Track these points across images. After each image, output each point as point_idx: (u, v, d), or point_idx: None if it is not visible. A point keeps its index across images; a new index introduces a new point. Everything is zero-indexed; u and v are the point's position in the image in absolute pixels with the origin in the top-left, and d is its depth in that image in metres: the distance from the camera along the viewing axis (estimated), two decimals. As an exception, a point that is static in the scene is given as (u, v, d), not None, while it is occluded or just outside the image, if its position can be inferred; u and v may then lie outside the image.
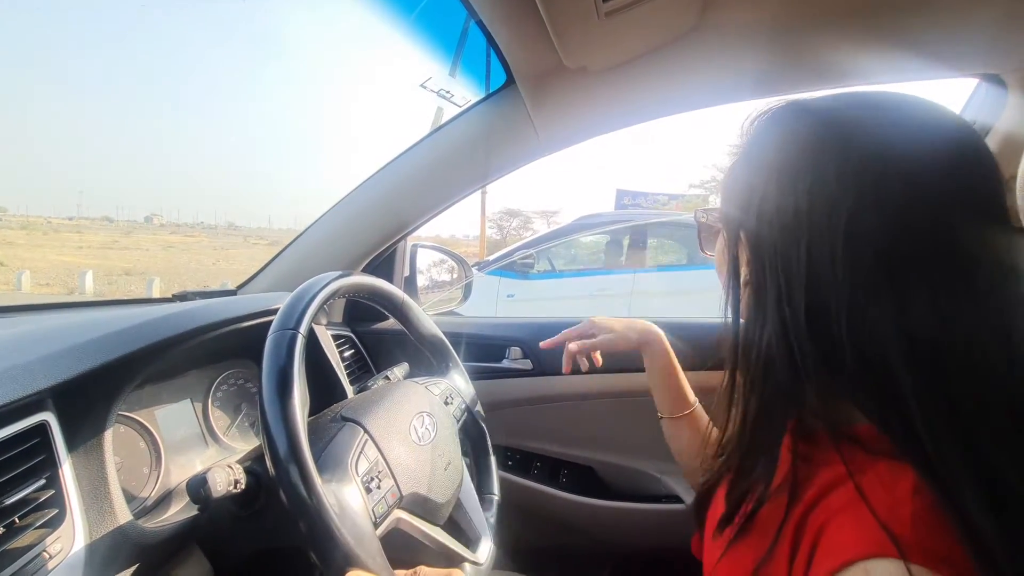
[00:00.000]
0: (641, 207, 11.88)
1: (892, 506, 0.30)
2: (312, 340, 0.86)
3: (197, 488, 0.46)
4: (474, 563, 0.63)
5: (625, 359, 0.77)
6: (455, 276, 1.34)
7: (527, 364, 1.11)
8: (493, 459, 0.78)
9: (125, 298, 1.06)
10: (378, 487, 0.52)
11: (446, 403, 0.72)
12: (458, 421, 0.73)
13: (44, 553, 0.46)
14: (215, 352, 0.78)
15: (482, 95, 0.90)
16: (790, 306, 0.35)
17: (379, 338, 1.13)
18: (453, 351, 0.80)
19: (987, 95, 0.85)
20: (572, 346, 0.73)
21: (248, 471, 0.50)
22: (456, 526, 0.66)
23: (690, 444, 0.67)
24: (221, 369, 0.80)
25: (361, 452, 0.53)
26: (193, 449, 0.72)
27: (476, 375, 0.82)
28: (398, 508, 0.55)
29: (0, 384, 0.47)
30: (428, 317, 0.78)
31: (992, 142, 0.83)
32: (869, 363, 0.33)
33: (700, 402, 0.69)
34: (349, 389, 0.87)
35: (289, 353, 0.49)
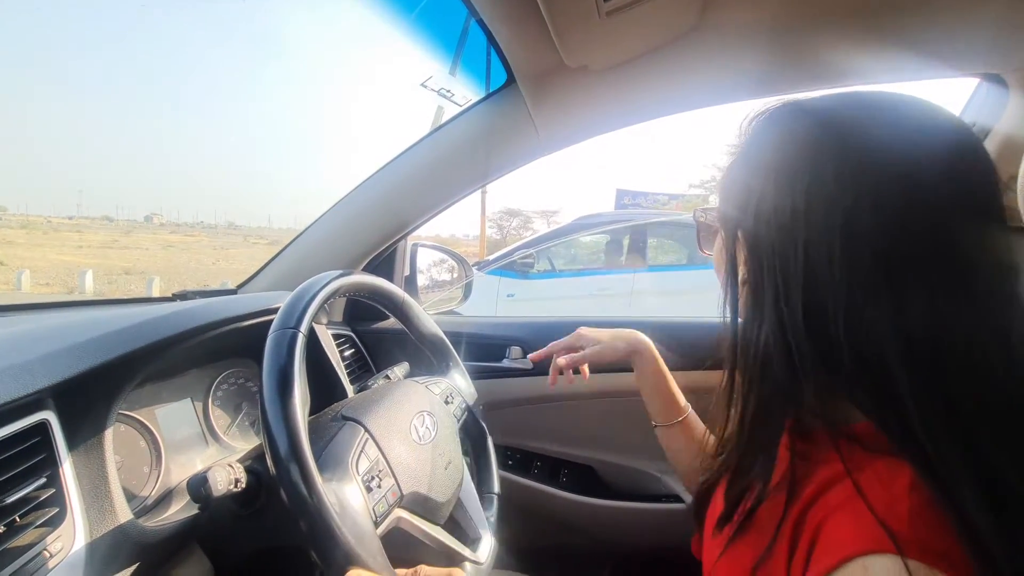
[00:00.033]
0: (641, 207, 11.89)
1: (890, 503, 0.30)
2: (312, 339, 0.86)
3: (198, 487, 0.46)
4: (474, 562, 0.63)
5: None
6: (455, 276, 1.34)
7: (527, 363, 1.10)
8: (494, 458, 0.78)
9: (125, 297, 1.06)
10: (379, 486, 0.52)
11: (446, 402, 0.72)
12: (458, 420, 0.73)
13: (45, 552, 0.46)
14: (215, 351, 0.78)
15: (482, 94, 0.90)
16: (787, 305, 0.35)
17: (379, 337, 1.13)
18: (453, 350, 0.80)
19: (988, 95, 0.85)
20: (561, 360, 0.73)
21: (249, 470, 0.50)
22: (456, 525, 0.66)
23: (685, 450, 0.67)
24: (221, 368, 0.80)
25: (362, 451, 0.53)
26: (193, 448, 0.72)
27: (476, 374, 0.82)
28: (399, 507, 0.55)
29: (0, 383, 0.47)
30: (429, 316, 0.78)
31: (993, 142, 0.83)
32: (866, 362, 0.33)
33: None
34: (349, 388, 0.87)
35: (290, 352, 0.49)
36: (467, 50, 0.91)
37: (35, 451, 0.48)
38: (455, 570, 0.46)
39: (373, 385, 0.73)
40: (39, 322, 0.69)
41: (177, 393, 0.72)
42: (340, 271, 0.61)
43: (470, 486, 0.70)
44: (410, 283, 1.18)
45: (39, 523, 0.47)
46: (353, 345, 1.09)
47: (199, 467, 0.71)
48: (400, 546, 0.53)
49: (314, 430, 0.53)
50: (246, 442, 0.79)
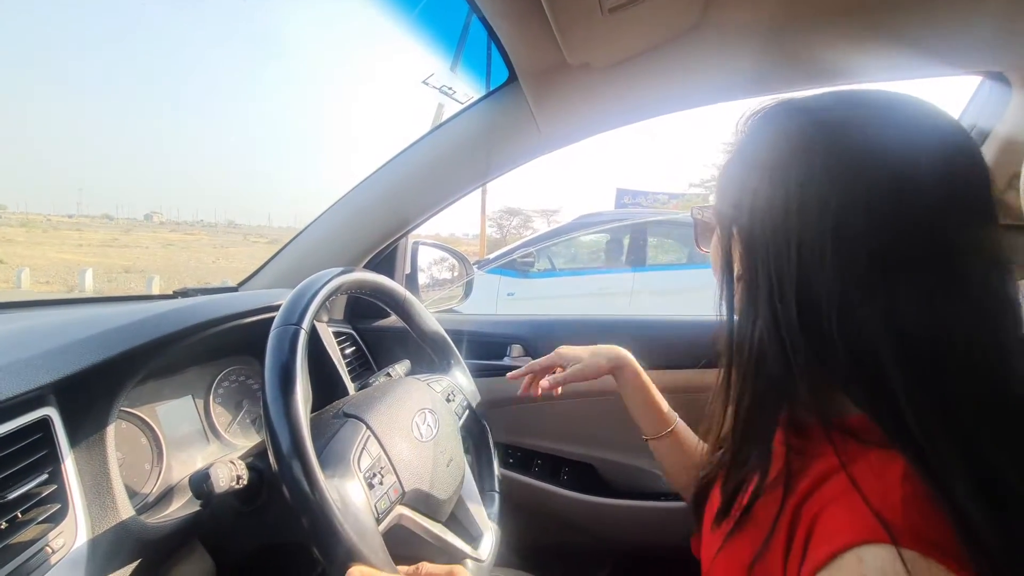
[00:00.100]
0: (641, 206, 11.87)
1: (883, 493, 0.30)
2: (313, 337, 0.86)
3: (200, 483, 0.46)
4: (476, 559, 0.63)
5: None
6: (456, 274, 1.34)
7: (528, 362, 1.10)
8: (495, 456, 0.78)
9: (126, 295, 1.06)
10: (380, 483, 0.52)
11: (448, 400, 0.72)
12: (460, 418, 0.73)
13: (47, 548, 0.46)
14: (217, 348, 0.78)
15: (484, 91, 0.90)
16: (781, 302, 0.35)
17: (380, 335, 1.13)
18: (455, 348, 0.80)
19: (990, 93, 0.85)
20: (544, 383, 0.72)
21: (250, 467, 0.50)
22: (458, 523, 0.66)
23: (679, 462, 0.66)
24: (223, 365, 0.80)
25: (363, 448, 0.53)
26: (194, 445, 0.72)
27: (477, 372, 0.82)
28: (400, 504, 0.55)
29: (2, 379, 0.47)
30: (430, 314, 0.78)
31: (996, 141, 0.83)
32: (860, 358, 0.33)
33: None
34: (350, 386, 0.86)
35: (292, 349, 0.49)
36: (468, 47, 0.91)
37: (37, 447, 0.48)
38: (456, 567, 0.46)
39: (374, 383, 0.73)
40: (40, 319, 0.69)
41: (178, 390, 0.72)
42: (342, 268, 0.61)
43: (471, 484, 0.70)
44: (411, 281, 1.18)
45: (41, 519, 0.47)
46: (354, 343, 1.09)
47: (200, 464, 0.71)
48: (402, 543, 0.53)
49: (316, 427, 0.53)
50: (247, 440, 0.79)
